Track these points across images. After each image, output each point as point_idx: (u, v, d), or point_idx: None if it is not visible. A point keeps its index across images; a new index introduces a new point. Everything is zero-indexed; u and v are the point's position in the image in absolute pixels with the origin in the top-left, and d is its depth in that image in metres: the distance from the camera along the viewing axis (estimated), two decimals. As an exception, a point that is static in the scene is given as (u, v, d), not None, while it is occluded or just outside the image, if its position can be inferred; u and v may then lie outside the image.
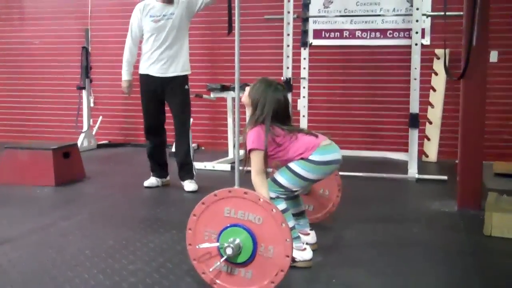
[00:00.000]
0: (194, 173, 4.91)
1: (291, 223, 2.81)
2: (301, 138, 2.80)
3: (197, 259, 2.52)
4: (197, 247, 2.50)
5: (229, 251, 2.39)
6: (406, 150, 5.64)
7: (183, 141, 4.80)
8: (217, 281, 2.49)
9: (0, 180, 4.95)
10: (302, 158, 2.77)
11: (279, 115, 2.80)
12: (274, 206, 2.41)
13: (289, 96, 6.01)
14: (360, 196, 4.62)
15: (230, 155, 6.25)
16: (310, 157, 2.75)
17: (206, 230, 2.50)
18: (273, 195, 2.79)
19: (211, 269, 2.46)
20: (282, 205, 2.79)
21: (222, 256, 2.43)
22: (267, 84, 2.85)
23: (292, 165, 2.79)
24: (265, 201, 2.41)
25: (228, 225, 2.44)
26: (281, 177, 2.81)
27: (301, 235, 2.98)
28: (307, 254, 2.84)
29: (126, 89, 4.83)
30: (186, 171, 4.86)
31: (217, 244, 2.45)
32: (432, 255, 3.10)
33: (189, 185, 4.79)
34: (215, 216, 2.48)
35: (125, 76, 4.82)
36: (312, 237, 3.10)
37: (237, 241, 2.40)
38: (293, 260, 2.77)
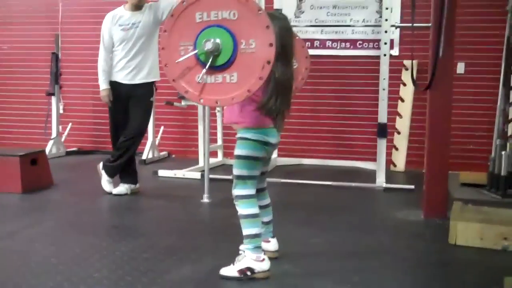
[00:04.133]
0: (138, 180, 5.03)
1: (258, 230, 2.83)
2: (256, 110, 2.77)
3: (176, 78, 2.45)
4: (176, 62, 2.42)
5: (208, 45, 2.33)
6: (375, 160, 5.70)
7: (132, 148, 4.86)
8: (203, 95, 2.43)
9: (-35, 187, 4.87)
10: (243, 138, 2.80)
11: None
12: None
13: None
14: (328, 205, 4.67)
15: (201, 163, 6.24)
16: (251, 137, 2.78)
17: (180, 44, 2.44)
18: (248, 191, 2.83)
19: (198, 79, 2.39)
20: (256, 209, 2.84)
21: (203, 64, 2.37)
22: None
23: (238, 151, 2.83)
24: None
25: (203, 28, 2.39)
26: (240, 169, 2.84)
27: (262, 243, 2.99)
28: (265, 265, 2.83)
29: (106, 98, 4.79)
30: (130, 175, 4.96)
31: (195, 51, 2.39)
32: (398, 263, 3.14)
33: (121, 188, 4.89)
34: (187, 25, 2.42)
35: (103, 85, 4.79)
36: (273, 244, 3.11)
37: (216, 39, 2.35)
38: (252, 271, 2.79)
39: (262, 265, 2.81)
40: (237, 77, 2.38)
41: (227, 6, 2.36)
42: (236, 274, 2.80)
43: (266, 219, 3.05)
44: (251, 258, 2.80)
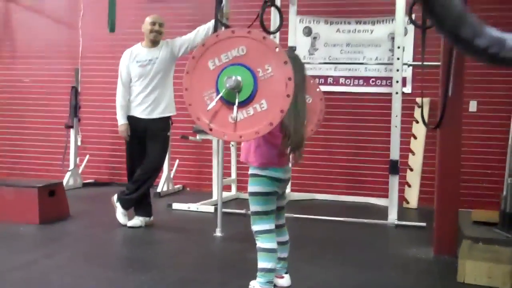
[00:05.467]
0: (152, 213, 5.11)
1: (273, 265, 2.90)
2: (272, 147, 2.88)
3: (212, 121, 2.57)
4: (207, 110, 2.54)
5: (230, 83, 2.46)
6: (387, 196, 5.74)
7: (148, 182, 4.94)
8: (240, 131, 2.53)
9: (-15, 217, 4.99)
10: (254, 175, 2.91)
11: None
12: (249, 30, 2.51)
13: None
14: (340, 241, 4.71)
15: (214, 196, 6.32)
16: (260, 172, 2.89)
17: (204, 95, 2.57)
18: (267, 226, 2.90)
19: (232, 117, 2.50)
20: (274, 244, 2.91)
21: (231, 103, 2.49)
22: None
23: (250, 189, 2.93)
24: (238, 30, 2.51)
25: (219, 72, 2.52)
26: (255, 206, 2.92)
27: (275, 279, 3.05)
28: None
29: (124, 133, 4.91)
30: (145, 208, 5.04)
31: (220, 94, 2.50)
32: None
33: (136, 221, 4.96)
34: (203, 76, 2.55)
35: (121, 120, 4.92)
36: (286, 280, 3.17)
37: (234, 77, 2.47)
38: None
39: None
40: (266, 103, 2.50)
41: (233, 45, 2.52)
42: None
43: (282, 255, 3.12)
44: None
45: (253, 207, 2.94)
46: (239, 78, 2.50)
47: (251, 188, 2.94)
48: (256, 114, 2.52)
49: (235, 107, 2.51)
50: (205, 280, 3.42)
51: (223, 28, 4.63)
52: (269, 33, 5.33)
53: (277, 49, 2.46)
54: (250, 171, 2.95)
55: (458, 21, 1.23)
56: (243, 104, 2.52)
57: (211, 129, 2.60)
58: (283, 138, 2.83)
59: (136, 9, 7.40)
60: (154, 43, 4.91)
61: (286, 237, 3.17)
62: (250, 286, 3.01)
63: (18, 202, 5.00)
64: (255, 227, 2.94)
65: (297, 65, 2.82)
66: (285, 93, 2.46)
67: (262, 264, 2.90)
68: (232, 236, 4.62)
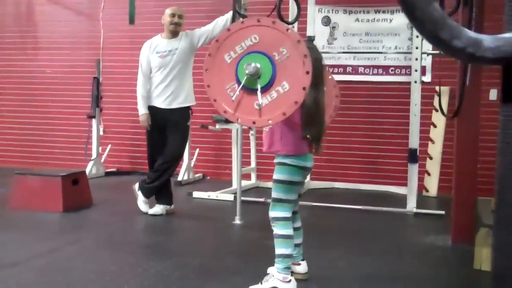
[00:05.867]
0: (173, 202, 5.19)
1: (290, 251, 2.97)
2: (296, 135, 2.93)
3: (238, 111, 2.65)
4: (232, 100, 2.63)
5: (249, 69, 2.55)
6: (406, 185, 5.75)
7: (169, 171, 5.02)
8: (267, 116, 2.61)
9: (10, 205, 5.11)
10: (282, 163, 2.95)
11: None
12: (258, 18, 2.62)
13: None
14: (357, 229, 4.75)
15: (234, 185, 6.39)
16: (290, 162, 2.93)
17: (227, 88, 2.66)
18: (285, 214, 2.96)
19: (258, 103, 2.58)
20: (291, 230, 2.98)
21: (254, 90, 2.57)
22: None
23: (277, 176, 2.97)
24: (248, 20, 2.62)
25: (236, 63, 2.61)
26: (278, 193, 2.97)
27: (292, 266, 3.11)
28: (292, 286, 2.96)
29: (145, 122, 4.99)
30: (166, 196, 5.11)
31: (241, 83, 2.59)
32: (420, 287, 3.21)
33: (157, 209, 5.05)
34: (222, 70, 2.65)
35: (142, 110, 5.00)
36: (303, 267, 3.22)
37: (252, 64, 2.56)
38: None
39: (288, 286, 2.93)
40: (287, 84, 2.57)
41: (246, 35, 2.60)
42: None
43: (297, 241, 3.16)
44: (278, 279, 2.92)
45: (276, 194, 2.99)
46: (257, 64, 2.56)
47: (277, 175, 2.98)
48: (280, 96, 2.58)
49: (258, 93, 2.57)
50: (224, 267, 3.49)
51: (241, 19, 4.68)
52: (287, 23, 5.36)
53: (288, 31, 2.52)
54: (277, 160, 3.00)
55: (437, 24, 1.30)
56: (265, 88, 2.58)
57: (238, 119, 2.67)
58: (303, 125, 2.88)
59: (156, 1, 7.47)
60: (174, 34, 4.97)
61: (299, 223, 3.22)
62: (268, 273, 3.07)
63: (43, 191, 5.12)
64: (273, 213, 2.99)
65: (314, 55, 2.85)
66: (304, 70, 2.52)
67: (279, 250, 2.96)
68: (251, 224, 4.69)
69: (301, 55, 2.53)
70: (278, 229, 2.98)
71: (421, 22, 1.27)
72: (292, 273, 3.08)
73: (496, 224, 1.63)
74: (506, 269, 1.42)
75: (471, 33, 1.27)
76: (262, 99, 2.59)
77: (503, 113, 1.61)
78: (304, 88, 2.54)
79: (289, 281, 2.95)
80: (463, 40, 1.28)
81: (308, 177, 6.66)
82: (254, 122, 2.66)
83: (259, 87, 2.57)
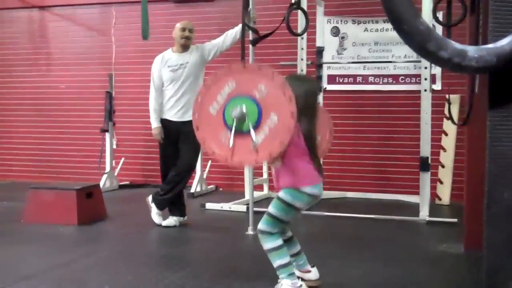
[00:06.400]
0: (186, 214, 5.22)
1: (287, 259, 2.99)
2: (308, 164, 2.97)
3: (236, 155, 2.71)
4: (230, 146, 2.68)
5: (235, 113, 2.64)
6: (419, 193, 5.75)
7: (182, 182, 5.05)
8: (266, 151, 2.66)
9: (26, 219, 5.18)
10: (293, 187, 2.94)
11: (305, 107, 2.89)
12: (229, 66, 2.78)
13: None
14: (370, 237, 4.76)
15: (247, 196, 6.41)
16: (302, 189, 2.93)
17: (220, 138, 2.73)
18: (273, 230, 2.99)
19: (254, 142, 2.63)
20: (279, 241, 3.00)
21: (247, 132, 2.64)
22: (295, 78, 3.07)
23: (283, 195, 2.97)
24: (220, 71, 2.76)
25: (222, 114, 2.72)
26: (276, 211, 2.99)
27: (303, 274, 3.14)
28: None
29: (158, 136, 5.05)
30: (179, 208, 5.15)
31: (233, 129, 2.66)
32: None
33: (170, 220, 5.09)
34: (211, 124, 2.77)
35: (155, 124, 5.06)
36: (314, 273, 3.23)
37: (235, 108, 2.65)
38: None
39: None
40: (275, 115, 2.63)
41: (222, 84, 2.75)
42: None
43: (295, 250, 3.19)
44: (288, 285, 2.95)
45: (274, 211, 3.00)
46: (242, 106, 2.66)
47: (285, 196, 2.98)
48: (272, 129, 2.64)
49: (251, 131, 2.64)
50: (237, 277, 3.51)
51: (250, 32, 4.74)
52: (296, 35, 5.43)
53: (259, 69, 2.63)
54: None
55: (423, 36, 1.36)
56: (257, 126, 2.65)
57: (241, 162, 2.79)
58: (309, 146, 2.94)
59: (166, 15, 7.58)
60: (185, 48, 5.04)
61: (290, 233, 3.21)
62: (279, 280, 3.10)
63: (58, 204, 5.17)
64: (262, 227, 3.01)
65: (305, 88, 2.94)
66: (287, 98, 2.60)
67: (276, 263, 2.98)
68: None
69: (280, 86, 2.62)
70: (265, 244, 3.00)
71: (409, 35, 1.33)
72: (303, 280, 3.10)
73: (486, 223, 1.67)
74: (498, 263, 1.46)
75: (457, 44, 1.33)
76: (256, 137, 2.65)
77: (490, 118, 1.66)
78: (292, 114, 2.61)
79: (300, 286, 2.98)
80: (449, 51, 1.34)
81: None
82: (256, 160, 2.75)
83: (250, 126, 2.64)
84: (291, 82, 2.85)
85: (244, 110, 2.65)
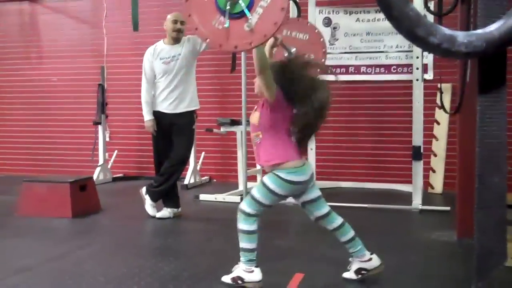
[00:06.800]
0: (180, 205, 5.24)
1: (254, 245, 3.07)
2: (290, 143, 3.03)
3: (231, 39, 2.66)
4: (225, 26, 2.63)
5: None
6: (411, 182, 5.78)
7: (175, 174, 5.07)
8: (262, 31, 2.61)
9: (20, 212, 5.18)
10: (276, 175, 2.99)
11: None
12: None
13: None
14: (363, 227, 4.71)
15: (240, 187, 6.43)
16: (284, 176, 2.98)
17: (213, 23, 2.68)
18: (252, 211, 3.04)
19: (249, 23, 2.58)
20: (254, 226, 3.06)
21: (242, 14, 2.59)
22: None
23: (266, 180, 3.02)
24: None
25: (214, 3, 2.66)
26: (257, 193, 3.04)
27: (364, 264, 3.18)
28: (256, 276, 3.07)
29: (151, 128, 5.05)
30: (173, 199, 5.15)
31: (226, 14, 2.62)
32: (426, 282, 3.26)
33: (164, 212, 5.10)
34: (204, 9, 2.70)
35: (147, 116, 5.05)
36: (375, 260, 3.22)
37: None
38: (242, 280, 3.06)
39: (251, 276, 3.06)
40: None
41: None
42: (229, 281, 3.11)
43: (345, 238, 3.22)
44: (242, 269, 3.08)
45: (256, 194, 3.05)
46: None
47: (267, 181, 3.03)
48: (265, 9, 2.59)
49: (246, 11, 2.58)
50: (233, 266, 3.53)
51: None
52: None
53: None
54: (274, 171, 3.03)
55: (413, 22, 1.37)
56: (249, 7, 2.60)
57: (236, 47, 2.71)
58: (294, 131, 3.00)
59: (158, 7, 7.55)
60: (177, 40, 5.03)
61: (337, 222, 3.24)
62: (234, 268, 3.20)
63: (51, 197, 5.18)
64: (244, 206, 3.08)
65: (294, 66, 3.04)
66: None
67: (242, 244, 3.07)
68: (259, 224, 4.71)
69: None
70: (240, 223, 3.07)
71: (399, 21, 1.34)
72: (367, 271, 3.17)
73: (477, 207, 1.70)
74: (489, 247, 1.48)
75: (446, 30, 1.34)
76: (251, 17, 2.59)
77: (480, 103, 1.68)
78: None
79: (252, 271, 3.07)
80: (438, 37, 1.35)
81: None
82: (251, 43, 2.65)
83: (243, 6, 2.58)
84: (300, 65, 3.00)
85: None
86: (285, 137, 3.02)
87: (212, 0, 2.68)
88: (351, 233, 3.22)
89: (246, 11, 2.60)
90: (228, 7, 2.61)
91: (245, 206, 3.07)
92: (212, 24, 2.68)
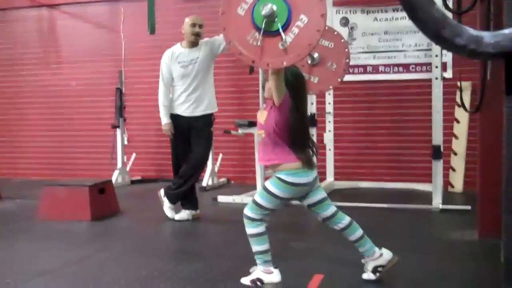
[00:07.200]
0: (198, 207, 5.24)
1: (265, 246, 3.06)
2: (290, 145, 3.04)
3: (265, 57, 2.69)
4: (258, 44, 2.65)
5: (265, 11, 2.60)
6: (431, 181, 5.72)
7: (194, 176, 5.07)
8: (296, 52, 2.63)
9: (40, 216, 5.21)
10: (277, 177, 3.00)
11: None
12: None
13: (314, 130, 6.23)
14: (384, 227, 4.74)
15: (258, 188, 6.41)
16: (284, 178, 2.99)
17: (247, 39, 2.69)
18: (255, 216, 3.04)
19: (283, 42, 2.61)
20: (261, 228, 3.05)
21: (277, 32, 2.61)
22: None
23: (268, 184, 3.03)
24: None
25: (251, 14, 2.68)
26: (260, 199, 3.04)
27: (375, 261, 3.16)
28: (275, 277, 3.07)
29: (168, 131, 5.05)
30: (191, 202, 5.16)
31: (261, 30, 2.63)
32: (447, 282, 3.21)
33: (183, 214, 5.10)
34: (239, 24, 2.71)
35: (164, 119, 5.05)
36: (386, 254, 3.20)
37: (267, 5, 2.62)
38: (261, 282, 3.06)
39: (270, 277, 3.07)
40: (305, 16, 2.62)
41: None
42: (249, 283, 3.11)
43: (352, 237, 3.19)
44: (261, 270, 3.08)
45: (260, 200, 3.06)
46: (272, 4, 2.62)
47: (269, 186, 3.04)
48: (301, 30, 2.62)
49: (281, 30, 2.61)
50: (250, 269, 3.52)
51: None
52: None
53: None
54: (275, 173, 3.05)
55: (439, 23, 1.33)
56: (286, 26, 2.62)
57: (268, 64, 2.71)
58: (288, 133, 3.02)
59: (175, 10, 7.58)
60: (194, 44, 5.02)
61: (345, 222, 3.20)
62: (251, 269, 3.21)
63: (71, 201, 5.20)
64: (248, 212, 3.08)
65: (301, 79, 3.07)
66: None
67: (254, 248, 3.08)
68: (276, 225, 4.65)
69: None
70: (247, 228, 3.08)
71: (424, 22, 1.31)
72: (381, 267, 3.15)
73: (505, 209, 1.65)
74: None
75: (472, 31, 1.30)
76: (285, 37, 2.62)
77: (507, 105, 1.63)
78: (322, 15, 2.60)
79: (271, 272, 3.07)
80: (465, 38, 1.31)
81: (332, 177, 6.70)
82: (283, 62, 2.67)
83: (279, 25, 2.60)
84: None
85: (274, 8, 2.63)
86: (285, 139, 3.03)
87: (248, 15, 2.68)
88: (359, 232, 3.20)
89: (281, 31, 2.61)
90: (264, 25, 2.62)
91: (248, 211, 3.09)
92: (247, 39, 2.69)
